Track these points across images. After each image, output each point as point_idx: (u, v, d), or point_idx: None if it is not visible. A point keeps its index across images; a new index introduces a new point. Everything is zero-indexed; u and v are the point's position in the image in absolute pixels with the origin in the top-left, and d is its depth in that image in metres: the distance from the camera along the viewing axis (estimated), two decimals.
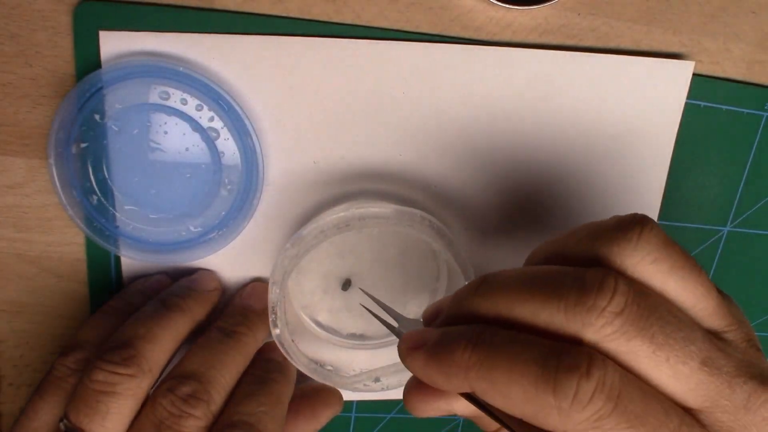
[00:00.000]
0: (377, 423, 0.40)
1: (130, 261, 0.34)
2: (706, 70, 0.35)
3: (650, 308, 0.22)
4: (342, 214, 0.31)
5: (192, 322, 0.32)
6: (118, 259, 0.34)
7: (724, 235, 0.39)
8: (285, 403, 0.32)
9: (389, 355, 0.34)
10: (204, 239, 0.33)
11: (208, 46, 0.31)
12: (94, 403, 0.27)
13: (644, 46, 0.34)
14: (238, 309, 0.34)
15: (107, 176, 0.32)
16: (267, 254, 0.35)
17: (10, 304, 0.35)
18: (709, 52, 0.35)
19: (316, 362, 0.33)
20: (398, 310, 0.32)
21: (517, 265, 0.26)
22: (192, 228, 0.33)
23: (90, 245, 0.34)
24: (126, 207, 0.32)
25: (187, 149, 0.31)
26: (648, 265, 0.23)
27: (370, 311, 0.31)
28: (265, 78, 0.32)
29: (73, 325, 0.35)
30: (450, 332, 0.24)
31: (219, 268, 0.35)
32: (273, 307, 0.31)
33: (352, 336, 0.36)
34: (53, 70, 0.31)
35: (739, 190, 0.38)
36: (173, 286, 0.33)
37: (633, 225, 0.23)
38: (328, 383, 0.33)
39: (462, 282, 0.32)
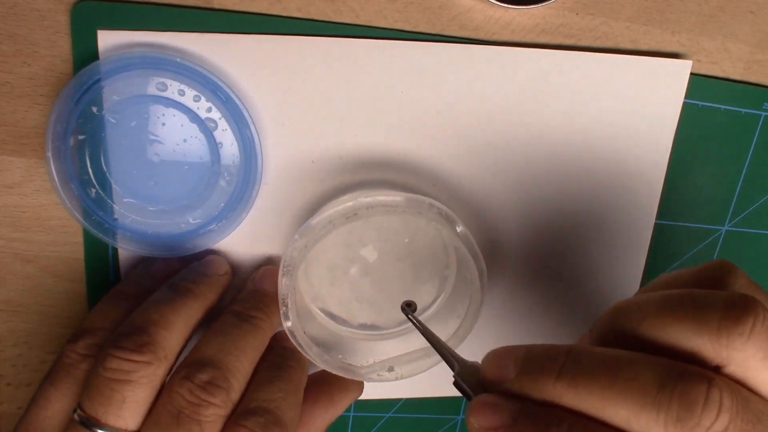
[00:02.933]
0: (375, 422, 0.40)
1: (129, 260, 0.34)
2: (704, 70, 0.35)
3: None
4: (350, 203, 0.31)
5: (205, 306, 0.31)
6: (116, 258, 0.34)
7: (722, 235, 0.39)
8: (301, 389, 0.32)
9: (402, 344, 0.34)
10: (203, 231, 0.33)
11: (206, 45, 0.31)
12: (108, 392, 0.27)
13: (642, 46, 0.34)
14: (252, 293, 0.33)
15: (105, 169, 0.31)
16: (265, 249, 0.35)
17: (8, 304, 0.34)
18: (707, 51, 0.35)
19: (328, 353, 0.33)
20: (409, 297, 0.32)
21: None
22: (191, 220, 0.33)
23: (88, 244, 0.34)
24: (124, 199, 0.32)
25: (185, 140, 0.31)
26: (758, 362, 0.21)
27: (429, 340, 0.30)
28: (264, 77, 0.32)
29: (72, 325, 0.35)
30: (535, 419, 0.22)
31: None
32: (283, 299, 0.30)
33: (363, 326, 0.35)
34: (51, 69, 0.31)
35: (737, 189, 0.38)
36: (183, 270, 0.33)
37: (745, 315, 0.21)
38: (341, 374, 0.32)
39: (472, 269, 0.31)
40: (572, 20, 0.33)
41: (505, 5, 0.32)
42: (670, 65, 0.34)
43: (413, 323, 0.31)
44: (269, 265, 0.35)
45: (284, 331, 0.33)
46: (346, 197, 0.32)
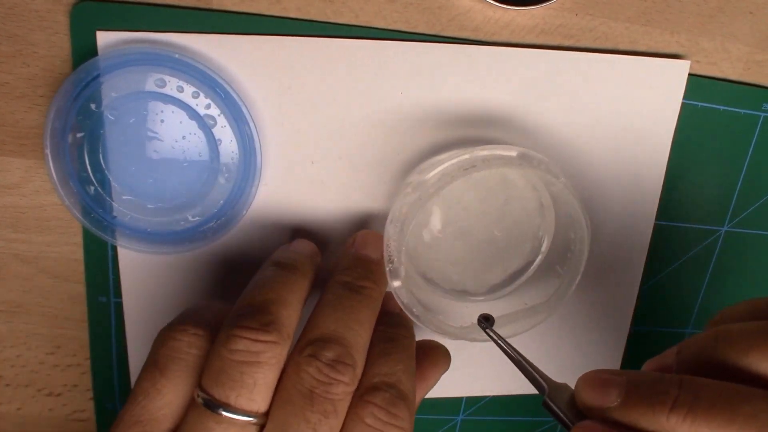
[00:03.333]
0: None
1: (128, 260, 0.34)
2: (703, 71, 0.35)
3: None
4: (466, 156, 0.30)
5: (310, 284, 0.31)
6: (115, 258, 0.34)
7: (722, 235, 0.39)
8: (414, 359, 0.31)
9: (498, 307, 0.34)
10: (202, 228, 0.33)
11: (205, 45, 0.31)
12: (237, 375, 0.26)
13: (642, 47, 0.34)
14: (357, 260, 0.31)
15: (104, 166, 0.31)
16: (266, 247, 0.35)
17: (7, 304, 0.34)
18: (706, 52, 0.35)
19: (430, 313, 0.32)
20: (502, 260, 0.33)
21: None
22: (190, 217, 0.32)
23: (87, 245, 0.34)
24: (123, 197, 0.32)
25: (184, 137, 0.31)
26: None
27: (512, 359, 0.30)
28: (263, 78, 0.32)
29: (71, 325, 0.35)
30: None
31: (218, 258, 0.34)
32: (390, 256, 0.29)
33: (454, 289, 0.35)
34: (50, 70, 0.31)
35: (737, 190, 0.38)
36: (279, 250, 0.32)
37: None
38: (443, 336, 0.32)
39: (579, 224, 0.31)
40: (571, 21, 0.33)
41: (505, 6, 0.32)
42: (669, 66, 0.34)
43: (493, 339, 0.30)
44: (366, 230, 0.33)
45: (386, 295, 0.32)
46: (456, 152, 0.31)
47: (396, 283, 0.30)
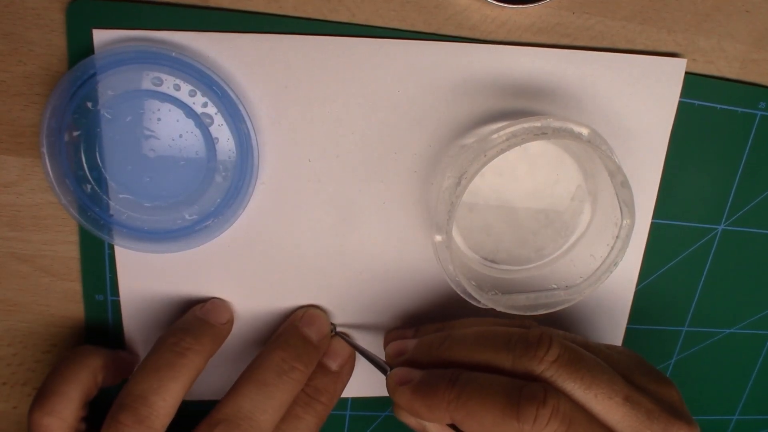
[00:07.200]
0: (372, 422, 0.40)
1: (126, 259, 0.34)
2: (700, 69, 0.35)
3: (579, 358, 0.28)
4: (538, 124, 0.30)
5: (206, 360, 0.32)
6: (112, 257, 0.34)
7: (719, 234, 0.39)
8: (323, 420, 0.34)
9: (520, 282, 0.35)
10: (199, 227, 0.33)
11: (202, 44, 0.31)
12: None
13: (639, 45, 0.34)
14: (296, 338, 0.33)
15: (101, 165, 0.31)
16: (262, 247, 0.35)
17: (3, 303, 0.34)
18: (703, 51, 0.35)
19: (465, 277, 0.32)
20: (536, 238, 0.34)
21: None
22: (187, 216, 0.32)
23: (84, 243, 0.34)
24: (120, 195, 0.32)
25: (180, 136, 0.31)
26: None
27: (362, 351, 0.34)
28: (260, 76, 0.32)
29: (67, 324, 0.35)
30: (432, 373, 0.30)
31: (214, 257, 0.34)
32: (449, 210, 0.30)
33: (484, 258, 0.35)
34: (47, 68, 0.31)
35: (733, 188, 0.38)
36: (187, 316, 0.33)
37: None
38: (470, 298, 0.32)
39: (609, 222, 0.33)
40: (568, 19, 0.33)
41: (502, 4, 0.32)
42: (666, 64, 0.34)
43: (343, 338, 0.35)
44: (314, 309, 0.36)
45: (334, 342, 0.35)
46: (529, 119, 0.31)
47: (437, 238, 0.31)
